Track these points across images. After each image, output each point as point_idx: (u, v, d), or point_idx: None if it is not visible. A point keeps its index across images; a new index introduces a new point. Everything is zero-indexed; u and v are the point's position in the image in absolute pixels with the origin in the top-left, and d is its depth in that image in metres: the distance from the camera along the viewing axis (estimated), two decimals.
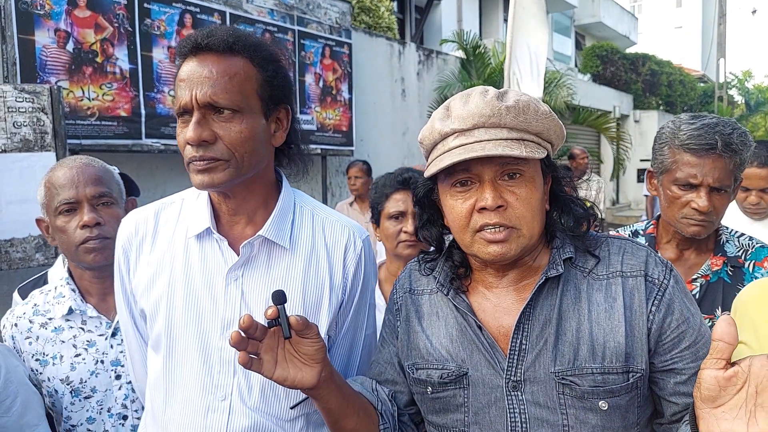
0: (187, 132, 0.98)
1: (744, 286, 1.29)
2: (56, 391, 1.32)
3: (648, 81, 16.64)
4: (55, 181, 1.34)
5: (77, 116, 4.11)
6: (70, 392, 1.31)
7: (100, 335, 1.35)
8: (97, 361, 1.33)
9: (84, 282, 1.39)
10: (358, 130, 6.94)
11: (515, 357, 0.92)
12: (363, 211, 4.54)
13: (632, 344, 0.89)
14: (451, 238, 1.04)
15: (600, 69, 15.53)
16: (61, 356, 1.33)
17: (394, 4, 10.06)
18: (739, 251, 1.45)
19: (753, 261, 1.42)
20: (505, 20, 12.90)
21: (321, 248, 1.12)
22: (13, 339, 1.35)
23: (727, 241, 1.46)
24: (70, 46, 4.08)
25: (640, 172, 14.15)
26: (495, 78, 8.35)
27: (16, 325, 1.35)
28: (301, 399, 1.05)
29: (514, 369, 0.92)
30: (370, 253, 1.18)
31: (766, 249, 1.44)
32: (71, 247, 1.33)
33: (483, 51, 8.87)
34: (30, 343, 1.34)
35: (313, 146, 6.21)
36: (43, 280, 1.75)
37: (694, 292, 1.42)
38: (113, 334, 1.35)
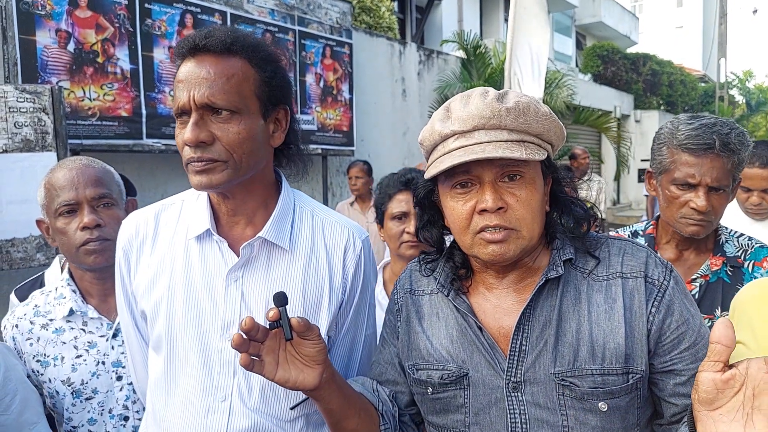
0: (185, 133, 0.98)
1: (743, 286, 1.30)
2: (57, 392, 1.32)
3: (649, 81, 16.63)
4: (55, 183, 1.34)
5: (78, 116, 4.12)
6: (71, 393, 1.31)
7: (101, 336, 1.35)
8: (98, 362, 1.33)
9: (85, 283, 1.39)
10: (358, 130, 6.94)
11: (515, 358, 0.92)
12: (363, 211, 4.54)
13: (632, 345, 0.89)
14: (451, 238, 1.04)
15: (601, 69, 15.52)
16: (62, 357, 1.33)
17: (395, 4, 10.06)
18: (738, 251, 1.45)
19: (752, 261, 1.42)
20: (506, 20, 12.90)
21: (321, 249, 1.12)
22: (13, 340, 1.34)
23: (726, 241, 1.47)
24: (71, 47, 4.09)
25: (641, 172, 14.14)
26: (496, 78, 8.35)
27: (16, 326, 1.35)
28: (301, 400, 1.05)
29: (514, 370, 0.92)
30: (370, 253, 1.18)
31: (766, 249, 1.44)
32: (72, 248, 1.33)
33: (483, 51, 8.87)
34: (31, 344, 1.34)
35: (313, 146, 6.22)
36: (39, 282, 1.74)
37: (693, 292, 1.43)
38: (114, 335, 1.35)
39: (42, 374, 1.32)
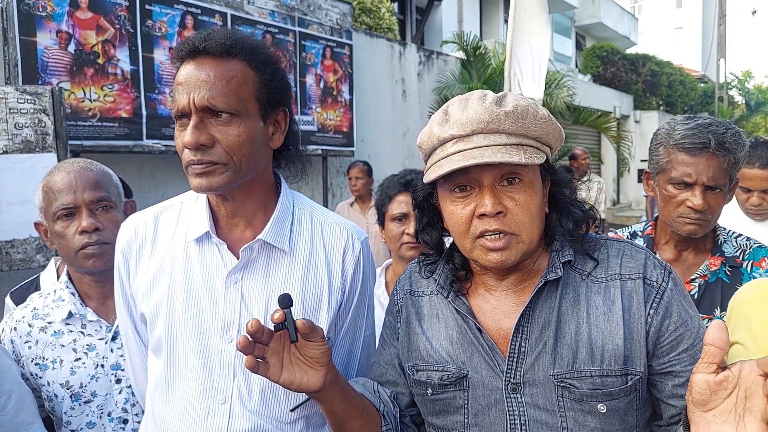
0: (185, 136, 0.98)
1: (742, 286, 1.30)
2: (56, 395, 1.31)
3: (648, 81, 16.64)
4: (53, 186, 1.33)
5: (78, 117, 4.12)
6: (70, 397, 1.31)
7: (100, 339, 1.35)
8: (97, 365, 1.33)
9: (83, 286, 1.38)
10: (358, 130, 6.94)
11: (514, 359, 0.92)
12: (363, 212, 4.54)
13: (630, 347, 0.89)
14: (451, 240, 1.04)
15: (600, 69, 15.53)
16: (61, 360, 1.32)
17: (395, 5, 10.06)
18: (736, 251, 1.45)
19: (751, 261, 1.43)
20: (506, 21, 12.91)
21: (320, 250, 1.12)
22: (12, 343, 1.34)
23: (724, 241, 1.47)
24: (71, 48, 4.09)
25: (641, 173, 14.10)
26: (495, 79, 8.36)
27: (15, 329, 1.34)
28: (301, 402, 1.06)
29: (513, 371, 0.92)
30: (369, 254, 1.19)
31: (764, 249, 1.45)
32: (70, 252, 1.32)
33: (483, 52, 8.87)
34: (29, 347, 1.33)
35: (313, 147, 6.22)
36: (35, 285, 1.73)
37: (692, 293, 1.43)
38: (113, 338, 1.35)
39: (40, 377, 1.32)
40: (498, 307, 0.97)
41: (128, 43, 4.45)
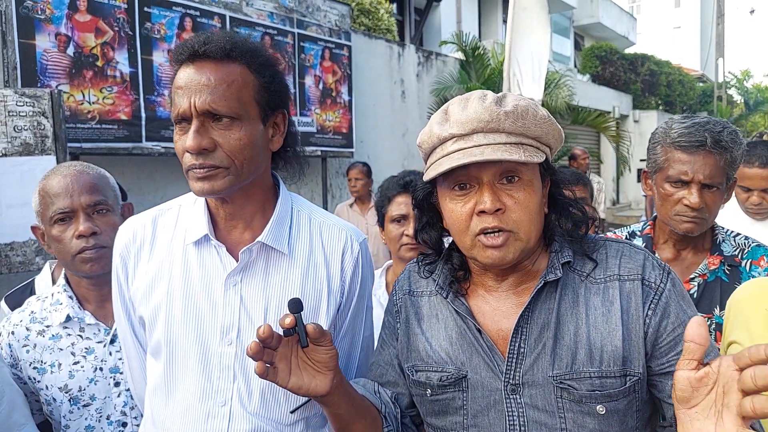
0: (186, 140, 0.98)
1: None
2: (54, 399, 1.30)
3: (647, 81, 16.66)
4: (50, 190, 1.32)
5: (78, 120, 4.12)
6: (69, 400, 1.30)
7: (99, 342, 1.34)
8: (96, 368, 1.32)
9: (81, 289, 1.38)
10: (357, 131, 6.95)
11: (513, 360, 0.92)
12: (363, 213, 4.55)
13: (629, 348, 0.89)
14: (450, 240, 1.04)
15: (599, 69, 15.54)
16: (59, 364, 1.31)
17: (394, 6, 10.07)
18: (735, 250, 1.46)
19: (749, 260, 1.43)
20: (505, 21, 12.93)
21: (319, 252, 1.12)
22: (10, 347, 1.33)
23: (723, 240, 1.48)
24: (70, 50, 4.10)
25: (640, 172, 14.12)
26: (494, 79, 8.36)
27: (12, 333, 1.34)
28: (301, 403, 1.06)
29: (512, 372, 0.92)
30: (368, 255, 1.19)
31: (762, 248, 1.45)
32: (67, 256, 1.31)
33: (482, 52, 8.88)
34: (27, 351, 1.32)
35: (313, 148, 6.23)
36: (30, 288, 1.72)
37: (691, 292, 1.43)
38: (112, 341, 1.34)
39: (39, 381, 1.31)
40: (498, 308, 0.97)
41: (127, 45, 4.45)
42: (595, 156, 12.85)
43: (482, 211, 0.89)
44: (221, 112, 0.98)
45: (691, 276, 1.45)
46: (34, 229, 1.41)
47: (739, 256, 1.45)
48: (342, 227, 1.16)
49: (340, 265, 1.13)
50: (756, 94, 23.22)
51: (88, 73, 4.20)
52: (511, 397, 0.92)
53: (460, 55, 9.06)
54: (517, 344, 0.92)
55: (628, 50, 18.23)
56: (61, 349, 1.33)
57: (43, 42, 3.94)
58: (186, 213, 1.13)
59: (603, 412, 0.88)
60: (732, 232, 1.51)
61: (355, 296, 1.15)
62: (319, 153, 6.33)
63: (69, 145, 3.62)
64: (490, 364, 0.94)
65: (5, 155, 3.07)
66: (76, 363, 1.32)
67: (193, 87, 0.98)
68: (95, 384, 1.32)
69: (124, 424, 1.33)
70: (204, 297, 1.07)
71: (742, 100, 23.08)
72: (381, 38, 7.80)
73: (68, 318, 1.34)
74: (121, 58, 4.41)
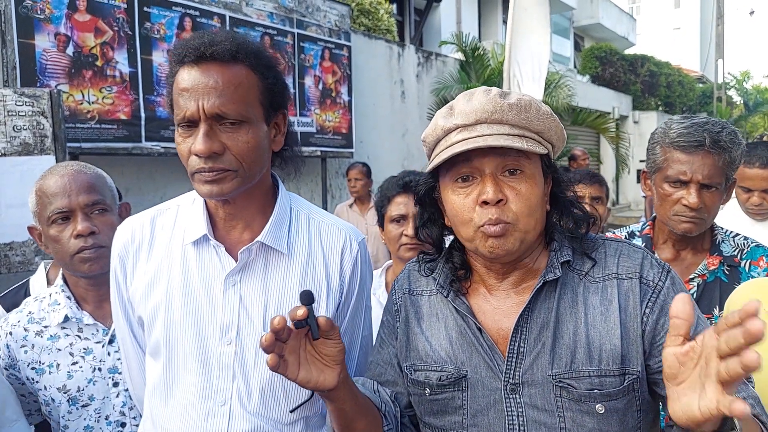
0: (196, 144, 0.97)
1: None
2: (53, 399, 1.30)
3: (647, 82, 16.68)
4: (47, 190, 1.31)
5: (77, 120, 4.12)
6: (68, 401, 1.30)
7: (97, 342, 1.34)
8: (95, 368, 1.32)
9: (79, 289, 1.37)
10: (357, 132, 6.95)
11: (513, 360, 0.92)
12: (362, 213, 4.55)
13: (627, 346, 0.89)
14: (450, 239, 1.04)
15: (599, 70, 15.56)
16: (58, 364, 1.31)
17: (393, 7, 10.08)
18: (734, 251, 1.46)
19: (749, 260, 1.44)
20: (505, 22, 12.93)
21: (318, 252, 1.12)
22: (7, 347, 1.33)
23: (722, 240, 1.48)
24: (70, 50, 4.09)
25: (640, 173, 14.13)
26: (494, 80, 8.37)
27: (10, 333, 1.33)
28: (300, 402, 1.05)
29: (512, 371, 0.92)
30: (366, 255, 1.19)
31: (761, 248, 1.45)
32: (66, 256, 1.31)
33: (482, 53, 8.89)
34: (25, 352, 1.32)
35: (312, 148, 6.23)
36: (24, 289, 1.72)
37: (691, 292, 1.43)
38: (110, 342, 1.34)
39: (37, 382, 1.31)
40: (498, 307, 0.97)
41: (127, 45, 4.45)
42: (595, 157, 12.86)
43: (485, 202, 0.89)
44: (231, 116, 0.98)
45: (691, 276, 1.45)
46: (30, 229, 1.40)
47: (739, 257, 1.45)
48: (341, 227, 1.16)
49: (339, 265, 1.13)
50: (755, 95, 23.25)
51: (88, 72, 4.20)
52: (510, 396, 0.92)
53: (460, 56, 9.07)
54: (516, 343, 0.92)
55: (628, 51, 18.25)
56: (60, 350, 1.32)
57: (43, 42, 3.94)
58: (185, 213, 1.13)
59: (602, 412, 0.88)
60: (731, 232, 1.51)
61: (354, 295, 1.15)
62: (318, 153, 6.33)
63: (68, 145, 3.62)
64: (490, 363, 0.94)
65: (4, 155, 3.07)
66: (74, 363, 1.32)
67: (200, 90, 0.97)
68: (94, 384, 1.31)
69: (123, 425, 1.32)
70: (203, 297, 1.07)
71: (742, 101, 23.10)
72: (381, 38, 7.81)
73: (66, 318, 1.33)
74: (120, 58, 4.41)
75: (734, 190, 2.13)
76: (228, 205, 1.08)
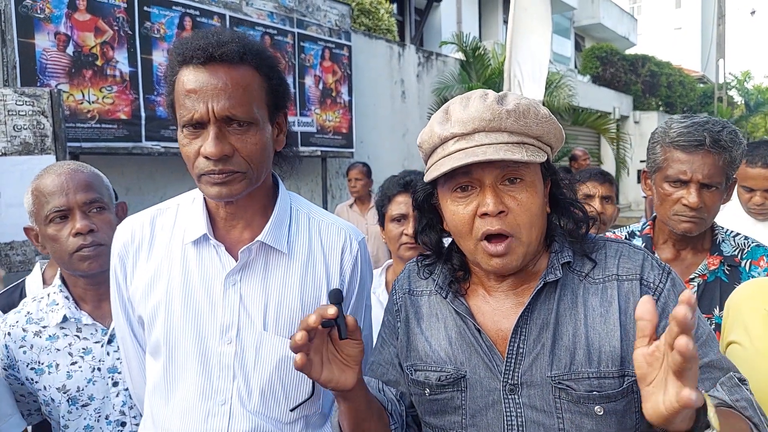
0: (206, 147, 0.96)
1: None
2: (53, 399, 1.30)
3: (648, 82, 16.67)
4: (44, 189, 1.31)
5: (77, 119, 4.12)
6: (67, 401, 1.29)
7: (96, 342, 1.34)
8: (94, 368, 1.32)
9: (78, 289, 1.37)
10: (357, 131, 6.95)
11: (512, 360, 0.92)
12: (363, 213, 4.55)
13: (627, 348, 0.89)
14: (449, 240, 1.04)
15: (600, 70, 15.55)
16: (57, 365, 1.31)
17: (394, 6, 10.08)
18: (735, 250, 1.46)
19: (749, 260, 1.43)
20: (505, 22, 12.93)
21: (318, 251, 1.12)
22: (6, 348, 1.32)
23: (723, 240, 1.48)
24: (70, 50, 4.10)
25: (640, 173, 14.13)
26: (495, 79, 8.37)
27: (9, 334, 1.33)
28: (300, 401, 1.06)
29: (511, 372, 0.92)
30: (366, 254, 1.19)
31: (762, 248, 1.45)
32: (64, 255, 1.30)
33: (482, 53, 8.89)
34: (24, 352, 1.32)
35: (313, 148, 6.23)
36: (20, 290, 1.71)
37: (692, 292, 1.43)
38: (109, 341, 1.34)
39: (37, 382, 1.31)
40: (497, 308, 0.97)
41: (127, 44, 4.45)
42: (595, 157, 12.86)
43: (485, 214, 0.88)
44: (240, 118, 0.97)
45: (691, 276, 1.45)
46: (27, 230, 1.39)
47: (739, 257, 1.45)
48: (341, 226, 1.16)
49: (339, 264, 1.12)
50: (756, 95, 23.22)
51: (88, 72, 4.20)
52: (509, 397, 0.91)
53: (460, 56, 9.07)
54: (516, 344, 0.92)
55: (629, 51, 18.25)
56: (59, 350, 1.32)
57: (43, 41, 3.94)
58: (184, 212, 1.13)
59: (601, 413, 0.88)
60: (732, 232, 1.51)
61: (354, 295, 1.15)
62: (319, 153, 6.33)
63: (68, 144, 3.62)
64: (489, 364, 0.93)
65: (5, 154, 3.07)
66: (73, 363, 1.32)
67: (209, 91, 0.96)
68: (93, 384, 1.31)
69: (123, 424, 1.32)
70: (203, 296, 1.07)
71: (743, 102, 23.08)
72: (381, 38, 7.81)
73: (65, 318, 1.33)
74: (120, 57, 4.41)
75: (736, 190, 2.13)
76: (229, 204, 1.08)
